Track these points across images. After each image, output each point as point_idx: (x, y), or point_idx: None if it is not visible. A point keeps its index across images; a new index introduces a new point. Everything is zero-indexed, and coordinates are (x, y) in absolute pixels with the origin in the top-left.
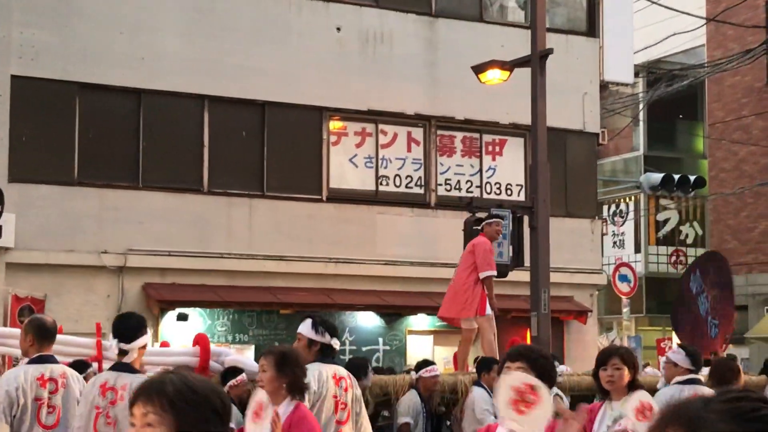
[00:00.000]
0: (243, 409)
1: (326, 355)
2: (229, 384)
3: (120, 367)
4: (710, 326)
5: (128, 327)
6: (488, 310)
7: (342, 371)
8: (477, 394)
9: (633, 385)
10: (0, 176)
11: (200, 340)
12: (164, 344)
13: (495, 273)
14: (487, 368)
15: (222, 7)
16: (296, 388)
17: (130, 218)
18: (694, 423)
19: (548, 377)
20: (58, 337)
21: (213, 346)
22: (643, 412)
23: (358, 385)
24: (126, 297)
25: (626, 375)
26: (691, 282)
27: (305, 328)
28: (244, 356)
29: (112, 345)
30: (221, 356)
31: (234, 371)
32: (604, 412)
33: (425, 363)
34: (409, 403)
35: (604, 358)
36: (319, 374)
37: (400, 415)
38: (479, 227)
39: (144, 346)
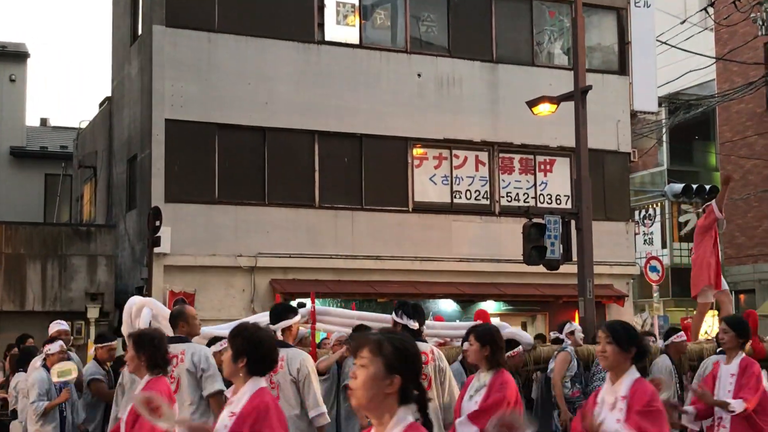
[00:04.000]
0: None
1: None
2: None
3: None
4: None
5: (273, 313)
6: (724, 285)
7: (425, 347)
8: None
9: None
10: (158, 198)
11: (481, 315)
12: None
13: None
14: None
15: (326, 60)
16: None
17: (259, 228)
18: None
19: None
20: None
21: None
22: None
23: (443, 359)
24: (257, 291)
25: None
26: None
27: (393, 313)
28: (516, 330)
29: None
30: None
31: (510, 343)
32: None
33: (673, 330)
34: (662, 366)
35: None
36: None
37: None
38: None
39: (290, 327)
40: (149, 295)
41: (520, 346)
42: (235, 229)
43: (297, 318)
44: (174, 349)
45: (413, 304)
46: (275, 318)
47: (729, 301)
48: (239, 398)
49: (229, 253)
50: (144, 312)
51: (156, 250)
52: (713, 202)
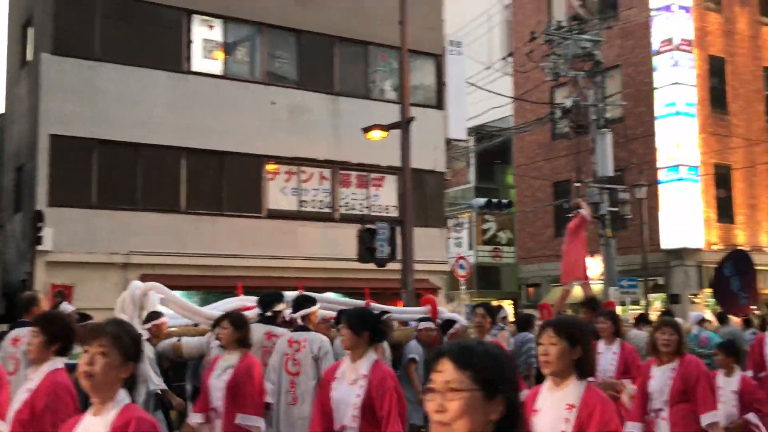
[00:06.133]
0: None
1: (267, 321)
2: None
3: (298, 328)
4: (740, 298)
5: (296, 303)
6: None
7: (278, 330)
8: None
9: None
10: (42, 203)
11: (430, 302)
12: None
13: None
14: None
15: (194, 87)
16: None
17: (132, 230)
18: None
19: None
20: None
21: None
22: None
23: (323, 347)
24: (129, 284)
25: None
26: (725, 268)
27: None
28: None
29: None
30: (442, 313)
31: (450, 322)
32: None
33: (449, 323)
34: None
35: None
36: (257, 334)
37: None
38: (572, 215)
39: (309, 314)
40: (31, 287)
41: (458, 324)
42: (111, 230)
43: (316, 307)
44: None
45: (270, 294)
46: (297, 307)
47: (590, 289)
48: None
49: (105, 251)
50: (151, 295)
51: (39, 247)
52: (581, 210)
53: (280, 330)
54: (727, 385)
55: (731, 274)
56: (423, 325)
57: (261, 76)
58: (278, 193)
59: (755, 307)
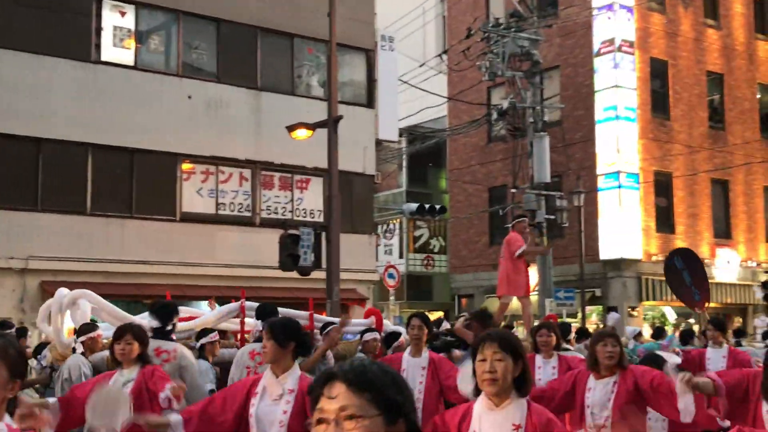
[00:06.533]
0: None
1: (164, 335)
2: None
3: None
4: (693, 293)
5: (158, 314)
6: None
7: (168, 345)
8: None
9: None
10: None
11: (375, 313)
12: None
13: (524, 247)
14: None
15: (102, 78)
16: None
17: (31, 233)
18: None
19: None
20: None
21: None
22: None
23: (186, 358)
24: (27, 291)
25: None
26: (675, 261)
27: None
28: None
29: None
30: (386, 326)
31: (395, 335)
32: None
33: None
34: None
35: None
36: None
37: None
38: (511, 225)
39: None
40: None
41: (403, 336)
42: (7, 232)
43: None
44: None
45: (161, 304)
46: (260, 317)
47: (530, 304)
48: None
49: (1, 256)
50: (82, 304)
51: None
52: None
53: (170, 345)
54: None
55: (682, 268)
56: (368, 336)
57: (176, 68)
58: (194, 194)
59: (705, 307)
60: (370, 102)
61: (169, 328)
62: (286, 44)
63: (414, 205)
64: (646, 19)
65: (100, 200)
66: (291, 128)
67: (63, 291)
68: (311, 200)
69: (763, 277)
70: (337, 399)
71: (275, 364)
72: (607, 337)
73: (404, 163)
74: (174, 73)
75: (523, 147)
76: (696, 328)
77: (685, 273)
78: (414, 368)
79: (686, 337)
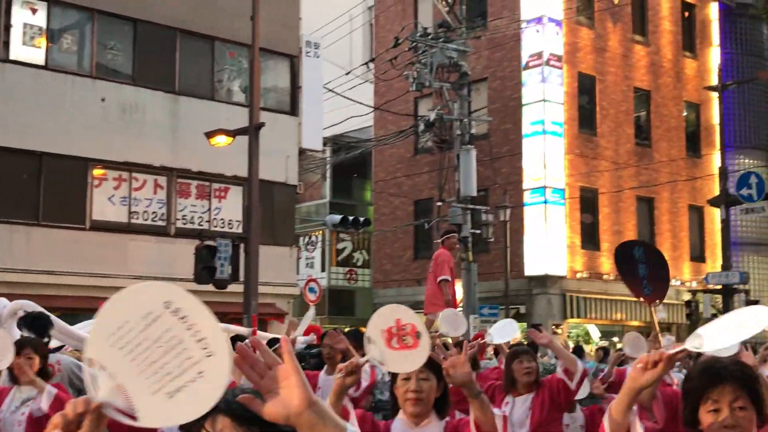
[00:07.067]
0: None
1: None
2: None
3: None
4: (643, 286)
5: (34, 326)
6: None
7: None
8: None
9: None
10: None
11: (315, 330)
12: None
13: (449, 278)
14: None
15: (10, 78)
16: None
17: None
18: None
19: None
20: None
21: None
22: None
23: (66, 366)
24: None
25: None
26: (636, 250)
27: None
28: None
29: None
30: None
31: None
32: None
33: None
34: None
35: None
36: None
37: None
38: (440, 241)
39: None
40: None
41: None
42: None
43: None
44: None
45: (32, 317)
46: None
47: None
48: None
49: None
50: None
51: None
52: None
53: (53, 357)
54: None
55: (641, 261)
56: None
57: (90, 69)
58: (105, 201)
59: (657, 303)
60: (293, 109)
61: (46, 339)
62: (206, 47)
63: (337, 217)
64: (575, 34)
65: (4, 206)
66: (210, 134)
67: (3, 301)
68: (230, 210)
69: (686, 296)
70: None
71: None
72: (523, 353)
73: (328, 174)
74: (87, 75)
75: (449, 159)
76: (620, 345)
77: (641, 265)
78: (329, 387)
79: (604, 354)
